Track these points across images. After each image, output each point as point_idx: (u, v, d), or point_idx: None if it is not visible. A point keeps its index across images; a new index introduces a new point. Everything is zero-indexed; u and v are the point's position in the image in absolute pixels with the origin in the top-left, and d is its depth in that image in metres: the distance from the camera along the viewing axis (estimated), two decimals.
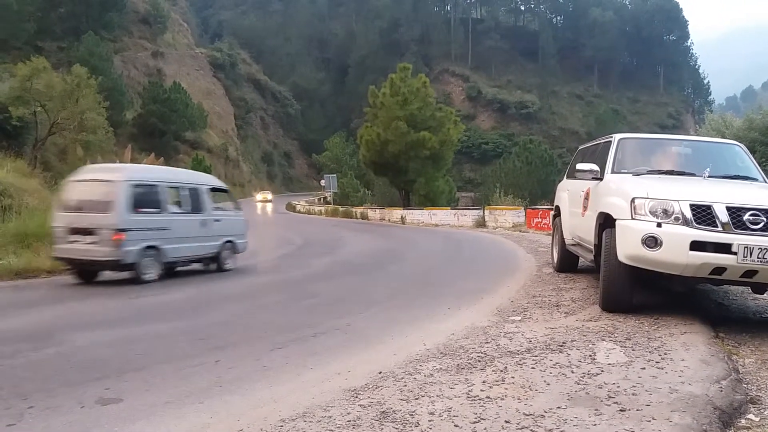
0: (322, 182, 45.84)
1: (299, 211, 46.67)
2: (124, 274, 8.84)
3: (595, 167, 6.21)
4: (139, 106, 57.96)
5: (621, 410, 3.00)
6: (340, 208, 39.81)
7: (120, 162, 20.23)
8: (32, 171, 18.10)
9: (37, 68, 24.49)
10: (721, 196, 4.83)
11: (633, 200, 4.98)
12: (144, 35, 73.96)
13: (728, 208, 4.65)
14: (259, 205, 52.83)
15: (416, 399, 3.27)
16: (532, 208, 21.48)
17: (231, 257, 10.76)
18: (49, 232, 9.56)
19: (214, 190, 10.82)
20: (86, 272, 9.00)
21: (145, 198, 8.90)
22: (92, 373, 4.06)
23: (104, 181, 8.90)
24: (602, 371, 3.67)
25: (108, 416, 3.21)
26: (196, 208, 10.00)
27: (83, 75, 26.91)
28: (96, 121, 27.06)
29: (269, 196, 61.55)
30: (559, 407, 3.07)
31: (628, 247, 4.95)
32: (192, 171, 13.09)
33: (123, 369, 4.14)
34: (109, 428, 3.05)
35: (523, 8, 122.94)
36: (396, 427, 2.88)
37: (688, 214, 4.71)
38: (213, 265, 10.45)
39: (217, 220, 10.45)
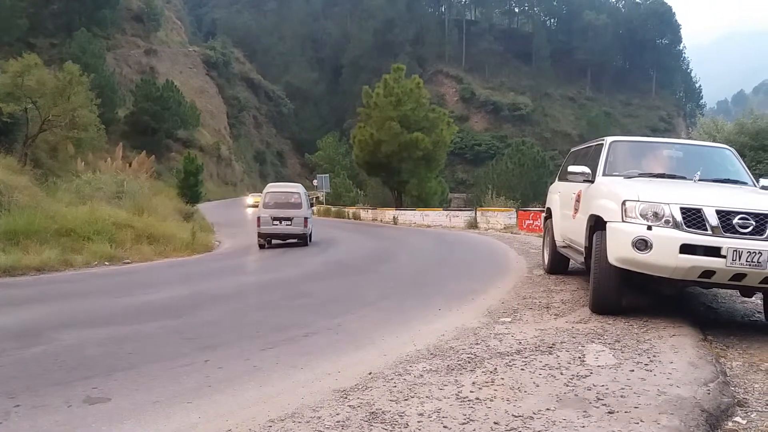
0: (315, 182, 45.64)
1: None
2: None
3: (586, 170, 6.22)
4: (131, 103, 57.69)
5: (609, 412, 3.01)
6: (333, 208, 39.76)
7: (111, 160, 20.55)
8: (22, 168, 17.92)
9: (28, 65, 24.27)
10: (711, 199, 4.84)
11: (624, 203, 4.99)
12: (137, 33, 73.63)
13: (718, 212, 4.66)
14: (249, 210, 40.26)
15: (406, 400, 3.27)
16: (524, 210, 21.49)
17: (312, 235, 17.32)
18: (38, 229, 10.83)
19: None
20: (273, 241, 15.53)
21: (307, 201, 15.80)
22: (80, 372, 4.03)
23: (294, 192, 16.01)
24: (591, 373, 3.68)
25: (96, 416, 3.18)
26: (306, 206, 15.89)
27: (75, 72, 26.68)
28: (87, 118, 26.85)
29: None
30: (548, 409, 3.08)
31: (618, 249, 4.96)
32: (299, 184, 18.82)
33: (111, 368, 4.10)
34: (97, 428, 3.02)
35: (517, 10, 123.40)
36: (385, 427, 2.88)
37: (678, 217, 4.72)
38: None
39: (312, 213, 17.20)
